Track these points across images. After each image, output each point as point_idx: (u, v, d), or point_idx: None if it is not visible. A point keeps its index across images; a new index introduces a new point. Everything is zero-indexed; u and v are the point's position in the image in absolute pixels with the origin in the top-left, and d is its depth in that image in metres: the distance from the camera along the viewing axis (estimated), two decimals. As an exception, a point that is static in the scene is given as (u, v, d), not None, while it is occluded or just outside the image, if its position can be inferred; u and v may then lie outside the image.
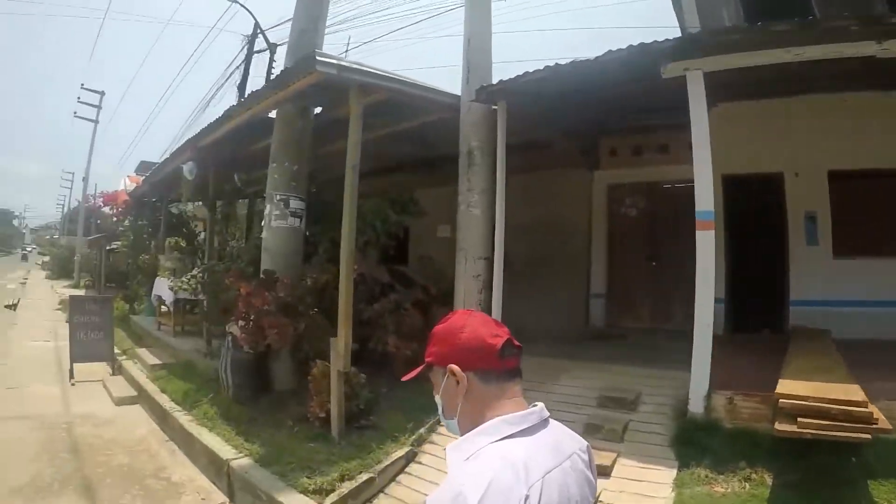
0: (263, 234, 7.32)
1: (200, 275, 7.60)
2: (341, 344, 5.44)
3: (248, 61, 20.52)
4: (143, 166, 40.32)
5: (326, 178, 8.36)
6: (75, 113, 40.84)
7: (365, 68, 6.29)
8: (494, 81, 7.03)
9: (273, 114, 7.82)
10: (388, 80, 6.54)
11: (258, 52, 20.68)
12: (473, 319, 1.41)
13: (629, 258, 10.06)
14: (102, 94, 41.20)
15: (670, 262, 9.05)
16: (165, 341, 10.19)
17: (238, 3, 20.53)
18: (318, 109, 8.06)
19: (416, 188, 8.87)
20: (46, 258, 73.32)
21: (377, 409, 6.15)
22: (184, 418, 6.74)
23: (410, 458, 5.51)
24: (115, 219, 27.14)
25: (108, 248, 30.42)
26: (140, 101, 46.65)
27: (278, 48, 20.49)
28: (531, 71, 6.40)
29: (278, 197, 7.20)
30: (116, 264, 32.19)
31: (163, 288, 10.53)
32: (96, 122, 41.47)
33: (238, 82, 20.24)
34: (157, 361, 9.10)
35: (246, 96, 7.77)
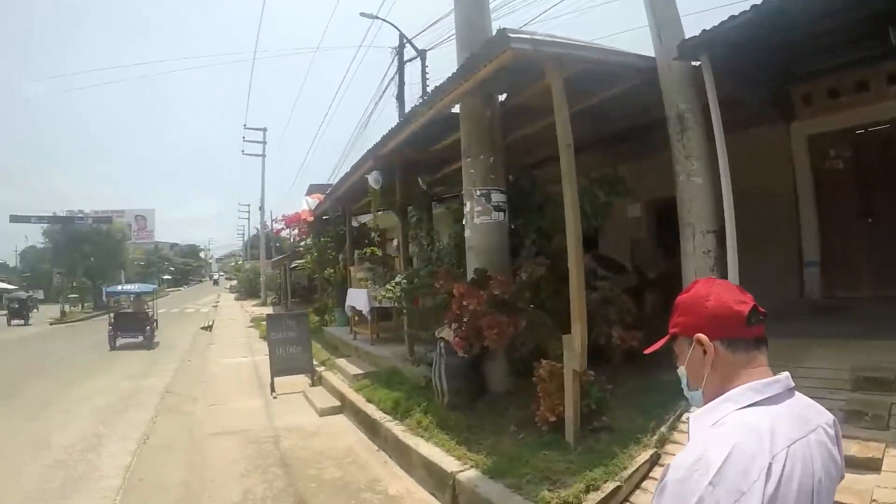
0: (466, 233, 6.97)
1: (404, 281, 7.39)
2: (576, 340, 4.89)
3: (400, 72, 20.88)
4: (312, 189, 43.06)
5: (518, 168, 7.90)
6: (243, 151, 45.36)
7: (560, 40, 5.76)
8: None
9: (456, 108, 7.50)
10: (585, 50, 5.97)
11: (409, 60, 21.05)
12: (718, 287, 1.38)
13: (842, 218, 8.59)
14: (264, 130, 45.36)
15: (889, 217, 7.70)
16: (364, 350, 10.23)
17: (380, 18, 21.05)
18: (500, 98, 7.63)
19: (606, 167, 8.15)
20: (234, 282, 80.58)
21: (608, 409, 5.54)
22: (396, 428, 6.50)
23: (654, 460, 4.85)
24: (294, 239, 28.95)
25: (290, 266, 32.52)
26: (301, 129, 49.73)
27: (428, 53, 20.81)
28: (735, 15, 5.55)
29: (478, 192, 6.83)
30: (298, 281, 34.48)
31: (358, 298, 10.62)
32: (263, 155, 45.29)
33: (395, 93, 20.68)
34: (358, 371, 9.09)
35: (430, 92, 7.50)
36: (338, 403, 8.55)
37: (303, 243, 19.36)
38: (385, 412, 7.08)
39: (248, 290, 57.01)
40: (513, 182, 7.31)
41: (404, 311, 8.70)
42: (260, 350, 15.36)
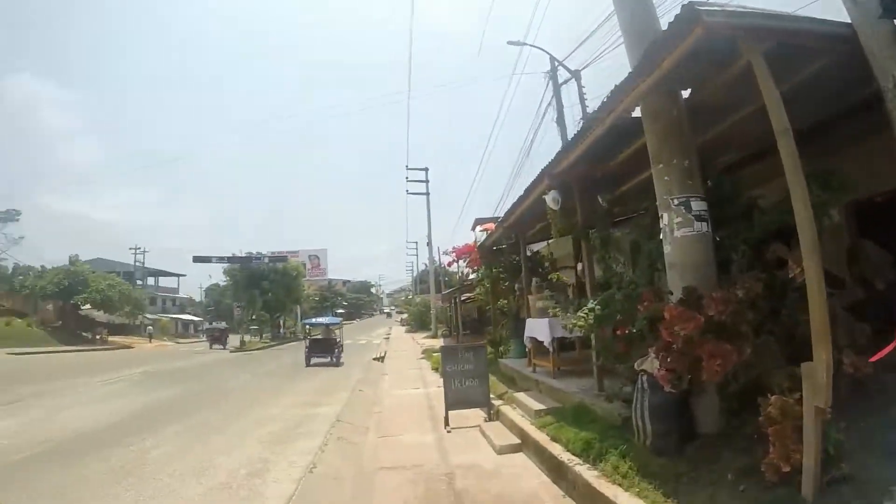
0: (665, 249, 6.19)
1: (597, 307, 6.71)
2: (820, 370, 3.96)
3: (557, 96, 20.38)
4: (477, 222, 43.67)
5: (714, 171, 6.97)
6: (407, 191, 47.72)
7: (752, 10, 4.91)
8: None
9: (636, 112, 6.78)
10: (780, 20, 5.03)
11: (563, 83, 20.44)
12: None
13: None
14: (426, 169, 47.68)
15: None
16: (545, 384, 9.61)
17: (528, 44, 20.64)
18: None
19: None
20: (404, 315, 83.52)
21: (846, 454, 4.51)
22: (588, 473, 5.78)
23: (911, 521, 3.82)
24: (464, 272, 29.21)
25: (461, 299, 32.85)
26: (463, 164, 50.83)
27: (582, 73, 20.08)
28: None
29: (676, 201, 6.04)
30: (468, 313, 34.73)
31: (538, 328, 10.07)
32: (427, 193, 47.56)
33: (555, 118, 20.14)
34: (540, 406, 8.47)
35: (607, 96, 6.81)
36: (517, 441, 7.98)
37: (472, 275, 19.08)
38: (574, 454, 6.38)
39: (418, 322, 58.93)
40: (711, 188, 6.45)
41: (590, 341, 7.97)
42: (432, 382, 15.25)
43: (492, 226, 12.26)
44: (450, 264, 18.31)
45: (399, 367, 20.26)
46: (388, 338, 46.92)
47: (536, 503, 6.00)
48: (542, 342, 9.90)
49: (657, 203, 6.43)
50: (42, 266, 49.50)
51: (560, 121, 19.47)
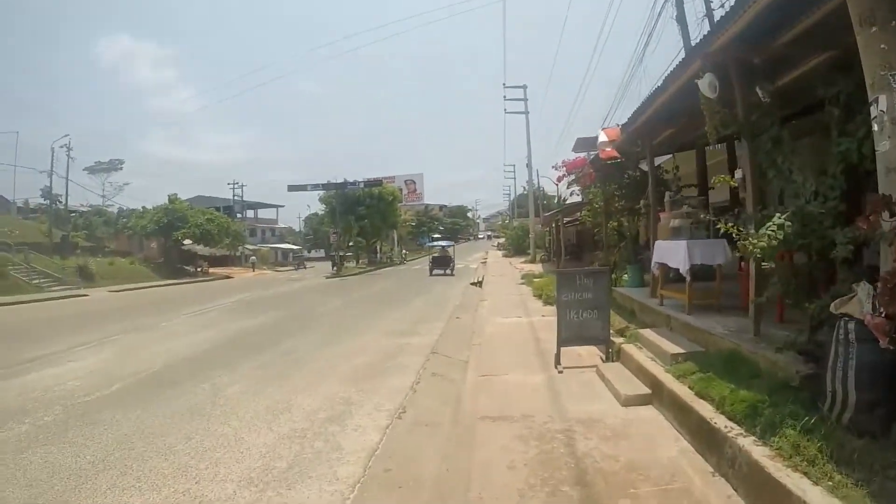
0: (882, 146, 4.33)
1: (787, 224, 4.96)
2: None
3: None
4: (579, 143, 41.33)
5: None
6: (505, 110, 46.10)
7: None
8: None
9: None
10: None
11: None
12: None
13: None
14: (524, 87, 45.90)
15: None
16: (677, 320, 7.94)
17: None
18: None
19: None
20: (501, 239, 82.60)
21: None
22: (757, 450, 4.12)
23: None
24: (562, 195, 27.49)
25: (563, 222, 31.22)
26: (564, 81, 48.08)
27: None
28: None
29: (896, 81, 4.16)
30: (567, 238, 33.15)
31: (671, 253, 8.37)
32: (526, 112, 45.71)
33: (675, 14, 17.41)
34: (675, 349, 6.82)
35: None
36: (647, 391, 6.42)
37: (572, 197, 17.01)
38: (731, 419, 4.73)
39: (515, 247, 58.06)
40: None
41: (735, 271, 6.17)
42: (535, 310, 13.82)
43: (615, 132, 10.29)
44: (559, 180, 16.16)
45: (498, 293, 18.91)
46: (484, 262, 45.81)
47: (681, 481, 4.44)
48: (674, 270, 8.19)
49: (869, 83, 4.53)
50: (143, 207, 51.04)
51: (681, 17, 16.87)
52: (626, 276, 12.23)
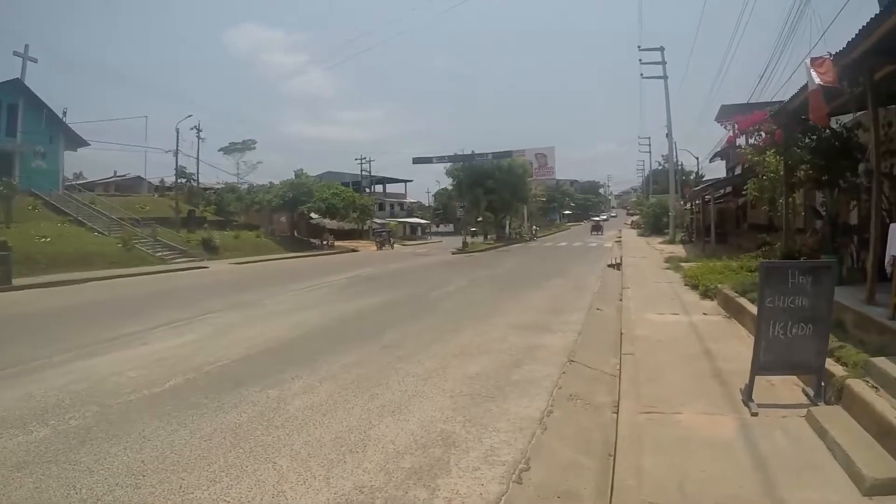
0: None
1: None
2: None
3: None
4: (724, 110, 37.15)
5: None
6: (641, 74, 42.28)
7: None
8: None
9: None
10: None
11: None
12: None
13: None
14: (662, 49, 41.90)
15: None
16: None
17: None
18: None
19: None
20: (635, 217, 78.47)
21: None
22: None
23: None
24: (699, 170, 24.29)
25: (714, 197, 27.92)
26: (710, 43, 43.47)
27: None
28: None
29: None
30: (723, 217, 29.79)
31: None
32: (665, 76, 41.68)
33: None
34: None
35: None
36: (906, 467, 4.02)
37: (760, 159, 13.56)
38: None
39: (651, 226, 54.81)
40: None
41: None
42: (693, 305, 11.28)
43: (827, 65, 7.24)
44: (731, 140, 13.13)
45: (641, 279, 16.30)
46: (619, 241, 42.72)
47: None
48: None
49: None
50: (270, 182, 51.64)
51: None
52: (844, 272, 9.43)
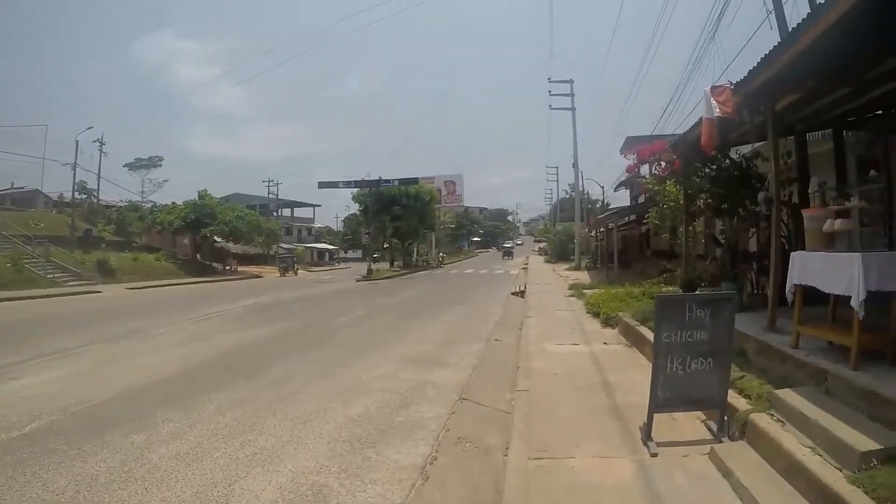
0: None
1: None
2: None
3: None
4: (628, 142, 38.39)
5: None
6: (550, 106, 43.64)
7: None
8: None
9: None
10: None
11: None
12: None
13: None
14: (571, 81, 43.20)
15: None
16: (841, 378, 4.95)
17: None
18: None
19: None
20: (543, 244, 79.96)
21: None
22: None
23: None
24: (605, 199, 24.69)
25: (618, 224, 28.33)
26: (617, 77, 45.40)
27: None
28: None
29: None
30: (626, 244, 30.31)
31: (828, 272, 5.43)
32: (573, 108, 42.95)
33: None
34: (863, 441, 3.94)
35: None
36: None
37: (663, 186, 13.50)
38: None
39: (557, 252, 55.87)
40: None
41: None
42: (594, 334, 10.97)
43: (725, 95, 7.08)
44: (631, 169, 13.02)
45: (545, 307, 15.96)
46: (526, 268, 42.93)
47: None
48: (853, 298, 5.18)
49: None
50: (173, 202, 49.87)
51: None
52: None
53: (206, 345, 11.25)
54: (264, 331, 13.04)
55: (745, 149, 11.08)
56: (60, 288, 27.40)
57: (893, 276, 5.03)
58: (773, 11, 13.76)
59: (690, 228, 12.51)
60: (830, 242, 5.92)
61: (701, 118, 8.15)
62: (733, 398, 5.47)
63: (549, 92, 42.91)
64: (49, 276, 29.46)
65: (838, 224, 5.75)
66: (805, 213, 6.47)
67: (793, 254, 6.21)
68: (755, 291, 9.81)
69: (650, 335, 8.59)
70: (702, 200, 10.75)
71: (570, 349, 9.58)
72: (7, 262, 27.98)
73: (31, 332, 13.33)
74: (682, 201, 11.94)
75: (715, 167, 10.24)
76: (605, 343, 9.93)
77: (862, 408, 4.62)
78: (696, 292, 10.49)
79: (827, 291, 5.59)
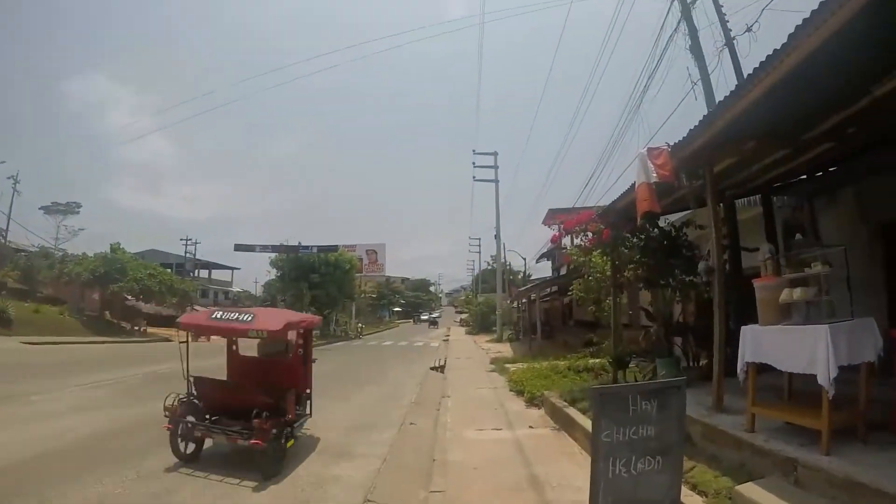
0: None
1: None
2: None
3: (687, 19, 14.54)
4: (551, 213, 38.74)
5: None
6: (474, 177, 43.70)
7: None
8: None
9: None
10: None
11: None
12: None
13: None
14: (495, 154, 43.66)
15: None
16: (812, 466, 4.18)
17: None
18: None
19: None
20: (464, 315, 79.18)
21: None
22: None
23: None
24: (526, 271, 24.37)
25: (541, 296, 27.89)
26: (539, 153, 46.47)
27: None
28: None
29: None
30: (549, 314, 29.83)
31: (788, 347, 4.76)
32: (496, 180, 43.23)
33: (688, 45, 14.33)
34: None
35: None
36: None
37: (588, 258, 12.87)
38: None
39: (479, 324, 55.12)
40: None
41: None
42: (517, 416, 10.07)
43: (665, 156, 6.47)
44: (555, 239, 12.27)
45: (465, 384, 14.90)
46: (447, 339, 41.96)
47: None
48: (819, 377, 4.50)
49: None
50: (83, 253, 47.06)
51: (696, 47, 13.88)
52: (654, 373, 8.60)
53: (90, 419, 9.85)
54: (153, 407, 11.41)
55: (673, 217, 10.67)
56: (-55, 337, 24.73)
57: (862, 346, 4.42)
58: (698, 83, 13.83)
59: (617, 300, 11.98)
60: (787, 314, 5.28)
61: (633, 184, 7.60)
62: (687, 496, 4.66)
63: (473, 164, 43.05)
64: (-65, 324, 26.61)
65: (797, 293, 5.12)
66: (756, 282, 5.82)
67: (743, 328, 5.56)
68: (690, 364, 9.19)
69: (581, 418, 7.78)
70: (630, 271, 10.17)
71: (492, 435, 8.58)
72: None
73: None
74: (608, 272, 11.37)
75: (643, 237, 9.69)
76: (530, 427, 9.01)
77: (843, 500, 3.87)
78: (630, 366, 9.83)
79: (785, 370, 4.94)
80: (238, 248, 45.19)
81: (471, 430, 8.96)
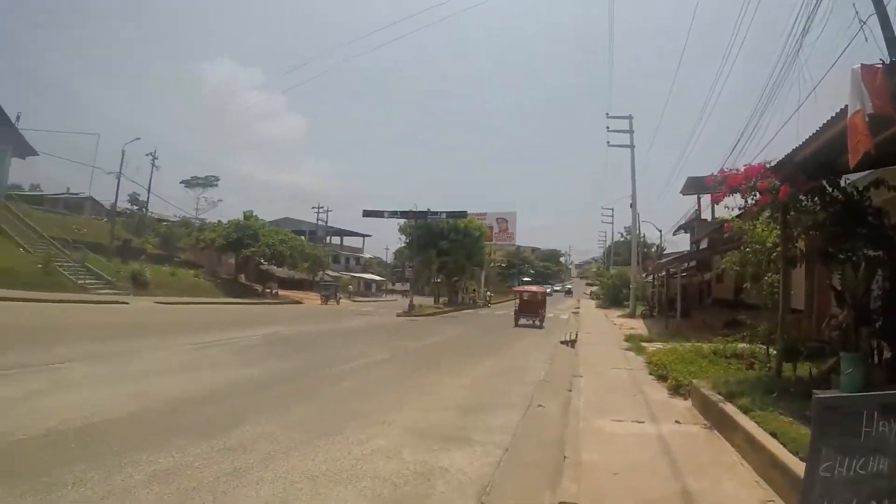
0: None
1: None
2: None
3: None
4: (690, 182, 35.93)
5: None
6: (608, 142, 41.79)
7: None
8: None
9: None
10: None
11: None
12: None
13: None
14: (630, 117, 41.56)
15: None
16: None
17: None
18: None
19: None
20: (594, 288, 76.99)
21: None
22: None
23: None
24: (661, 244, 22.23)
25: (681, 271, 25.93)
26: (681, 115, 43.17)
27: None
28: None
29: None
30: (686, 291, 27.77)
31: None
32: (632, 146, 41.12)
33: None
34: None
35: None
36: None
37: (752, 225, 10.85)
38: None
39: (610, 297, 53.32)
40: None
41: None
42: (660, 406, 8.81)
43: (880, 79, 4.87)
44: (716, 199, 10.36)
45: (598, 363, 13.70)
46: (577, 312, 40.57)
47: None
48: None
49: None
50: (218, 221, 49.69)
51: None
52: (839, 373, 6.99)
53: (183, 380, 9.57)
54: (259, 369, 11.13)
55: (854, 176, 8.76)
56: (88, 295, 27.14)
57: None
58: (866, 22, 11.56)
59: (768, 278, 10.34)
60: None
61: (825, 123, 6.02)
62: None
63: (608, 128, 41.11)
64: (80, 281, 29.10)
65: None
66: None
67: None
68: (873, 361, 7.50)
69: (744, 420, 6.39)
70: (803, 241, 8.47)
71: (632, 429, 7.35)
72: (38, 264, 27.81)
73: (19, 339, 12.51)
74: (769, 243, 9.65)
75: (828, 197, 7.96)
76: (677, 422, 7.69)
77: None
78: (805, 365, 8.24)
79: None
80: (367, 213, 45.49)
81: (607, 419, 7.76)
